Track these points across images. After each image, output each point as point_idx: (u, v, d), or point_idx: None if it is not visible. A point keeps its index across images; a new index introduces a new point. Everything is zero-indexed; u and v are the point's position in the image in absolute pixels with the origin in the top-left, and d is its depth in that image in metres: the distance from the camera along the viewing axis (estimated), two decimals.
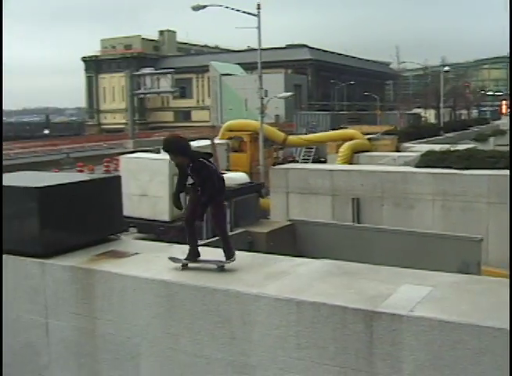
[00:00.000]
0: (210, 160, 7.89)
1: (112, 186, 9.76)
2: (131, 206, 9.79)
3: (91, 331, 8.27)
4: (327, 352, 6.69)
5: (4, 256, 8.91)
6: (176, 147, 7.91)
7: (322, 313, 6.70)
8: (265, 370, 7.06)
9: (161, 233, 19.92)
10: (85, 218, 9.12)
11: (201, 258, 8.19)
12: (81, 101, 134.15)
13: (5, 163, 45.46)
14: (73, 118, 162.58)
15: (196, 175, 7.85)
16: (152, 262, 8.34)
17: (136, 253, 8.78)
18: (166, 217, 21.01)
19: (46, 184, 9.17)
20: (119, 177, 9.93)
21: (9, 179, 9.88)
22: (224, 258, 8.00)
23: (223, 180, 7.96)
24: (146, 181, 20.88)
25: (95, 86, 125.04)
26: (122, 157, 23.58)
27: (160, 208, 21.00)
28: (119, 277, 7.89)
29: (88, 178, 10.70)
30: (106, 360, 8.25)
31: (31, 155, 56.66)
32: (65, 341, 8.58)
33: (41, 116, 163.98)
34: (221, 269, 7.96)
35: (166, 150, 8.10)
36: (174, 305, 7.51)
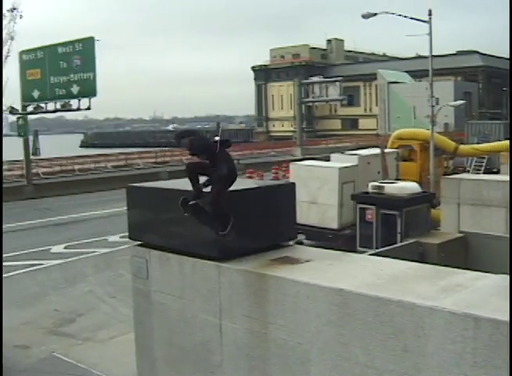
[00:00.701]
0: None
1: (286, 193, 9.86)
2: (300, 213, 9.88)
3: (263, 335, 8.39)
4: (505, 373, 6.37)
5: (183, 257, 9.28)
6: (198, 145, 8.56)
7: (502, 331, 6.37)
8: None
9: (330, 241, 19.93)
10: (260, 223, 9.29)
11: None
12: (251, 109, 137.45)
13: (180, 168, 47.38)
14: (243, 125, 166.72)
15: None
16: (325, 270, 8.33)
17: (309, 260, 8.80)
18: (335, 225, 21.02)
19: None
20: (293, 184, 10.01)
21: (184, 184, 10.27)
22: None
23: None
24: (316, 188, 21.00)
25: (264, 94, 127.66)
26: (292, 164, 23.84)
27: (328, 216, 21.05)
28: (292, 283, 7.94)
29: (264, 185, 10.90)
30: (276, 364, 8.34)
31: None
32: (237, 342, 8.77)
33: (212, 123, 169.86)
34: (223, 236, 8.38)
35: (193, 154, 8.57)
36: (346, 313, 7.44)
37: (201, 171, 8.57)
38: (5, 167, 48.06)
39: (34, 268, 20.59)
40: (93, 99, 39.22)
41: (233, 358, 8.87)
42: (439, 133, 39.18)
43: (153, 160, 58.96)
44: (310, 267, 8.52)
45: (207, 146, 8.55)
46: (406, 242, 15.17)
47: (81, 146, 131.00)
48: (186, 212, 8.59)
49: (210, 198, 8.32)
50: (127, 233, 10.81)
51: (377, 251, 14.53)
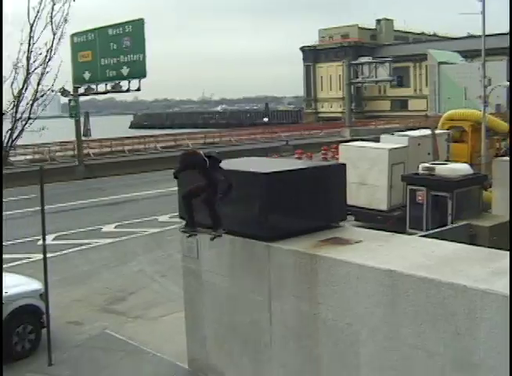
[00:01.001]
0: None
1: (337, 174, 9.83)
2: (349, 194, 9.82)
3: (312, 315, 8.42)
4: None
5: (233, 237, 9.34)
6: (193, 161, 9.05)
7: None
8: (488, 370, 6.76)
9: (379, 222, 19.80)
10: (310, 204, 9.29)
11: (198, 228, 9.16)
12: (299, 90, 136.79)
13: (229, 149, 47.60)
14: (292, 106, 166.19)
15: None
16: (376, 251, 8.30)
17: (359, 241, 8.78)
18: (384, 206, 20.85)
19: (273, 170, 9.47)
20: (344, 165, 9.97)
21: (237, 164, 10.33)
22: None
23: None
24: (365, 169, 20.83)
25: (313, 75, 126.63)
26: (341, 145, 23.68)
27: (378, 197, 20.88)
28: (343, 264, 7.94)
29: (314, 165, 10.89)
30: (325, 344, 8.37)
31: (252, 142, 58.89)
32: (287, 322, 8.82)
33: (260, 104, 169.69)
34: (212, 239, 8.96)
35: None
36: (397, 295, 7.42)
37: (197, 193, 9.01)
38: (57, 148, 48.92)
39: (86, 247, 20.93)
40: (143, 81, 39.45)
41: (282, 338, 8.93)
42: (491, 114, 38.41)
43: (202, 141, 59.23)
44: (360, 248, 8.50)
45: (198, 161, 8.97)
46: (457, 224, 15.00)
47: (130, 128, 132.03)
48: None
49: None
50: (176, 213, 10.90)
51: (428, 232, 14.40)
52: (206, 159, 8.89)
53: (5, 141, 9.93)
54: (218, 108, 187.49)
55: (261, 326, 9.18)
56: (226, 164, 10.37)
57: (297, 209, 9.16)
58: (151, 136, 59.16)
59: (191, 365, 10.79)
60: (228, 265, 9.54)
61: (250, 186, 9.11)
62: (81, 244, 21.17)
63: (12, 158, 34.27)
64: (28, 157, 45.00)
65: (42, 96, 10.38)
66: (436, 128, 27.41)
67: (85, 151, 46.20)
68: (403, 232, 14.63)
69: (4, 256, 17.63)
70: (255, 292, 9.14)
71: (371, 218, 20.62)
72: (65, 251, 19.94)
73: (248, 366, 9.57)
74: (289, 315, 8.74)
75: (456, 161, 22.14)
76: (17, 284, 12.55)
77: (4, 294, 11.79)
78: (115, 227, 24.16)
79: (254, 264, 9.08)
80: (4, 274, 13.33)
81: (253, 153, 31.19)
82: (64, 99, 46.14)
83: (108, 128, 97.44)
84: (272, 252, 8.79)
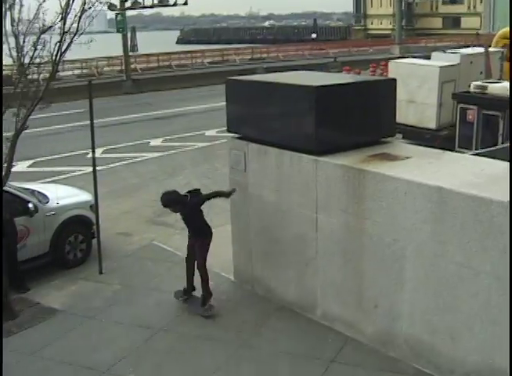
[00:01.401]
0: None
1: (387, 89, 9.66)
2: (398, 111, 9.63)
3: (358, 230, 8.45)
4: None
5: (281, 151, 9.34)
6: (171, 200, 9.99)
7: None
8: None
9: (427, 141, 19.54)
10: (359, 119, 9.19)
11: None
12: (349, 6, 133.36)
13: (276, 65, 47.10)
14: (340, 23, 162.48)
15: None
16: (425, 168, 8.22)
17: (408, 157, 8.69)
18: (433, 125, 20.50)
19: (323, 83, 9.35)
20: (394, 80, 9.77)
21: (286, 78, 10.22)
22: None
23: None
24: (415, 87, 20.39)
25: None
26: (391, 62, 23.15)
27: (427, 115, 20.51)
28: (391, 180, 7.90)
29: (364, 80, 10.71)
30: (370, 259, 8.43)
31: (299, 58, 58.12)
32: (333, 236, 8.89)
33: (309, 20, 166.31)
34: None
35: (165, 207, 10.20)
36: (445, 211, 7.37)
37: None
38: (104, 62, 49.00)
39: (134, 160, 21.19)
40: None
41: (328, 252, 9.01)
42: None
43: (250, 56, 58.68)
44: (409, 164, 8.43)
45: (178, 199, 9.99)
46: (508, 144, 14.71)
47: (177, 43, 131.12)
48: None
49: None
50: (223, 128, 10.90)
51: (477, 151, 14.20)
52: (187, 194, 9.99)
53: (54, 54, 9.92)
54: (266, 24, 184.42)
55: (307, 239, 9.27)
56: (274, 78, 10.32)
57: (347, 123, 9.08)
58: (198, 51, 58.74)
59: (236, 277, 11.02)
60: (275, 178, 9.57)
61: (300, 99, 9.02)
62: (129, 158, 21.45)
63: (60, 73, 34.50)
64: (76, 72, 45.21)
65: (90, 9, 10.28)
66: (489, 46, 26.57)
67: (132, 66, 46.18)
68: (450, 149, 14.43)
69: (56, 168, 18.10)
70: (302, 206, 9.19)
71: (419, 137, 20.33)
72: (113, 165, 20.26)
73: (293, 279, 9.73)
74: (335, 229, 8.79)
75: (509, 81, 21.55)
76: (68, 195, 12.86)
77: (56, 204, 12.11)
78: (162, 141, 24.37)
79: (301, 178, 9.09)
80: (56, 185, 13.68)
81: (300, 69, 30.74)
82: (111, 15, 45.90)
83: (155, 43, 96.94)
84: (319, 166, 8.77)
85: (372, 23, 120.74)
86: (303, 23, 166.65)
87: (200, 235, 10.35)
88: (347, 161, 8.53)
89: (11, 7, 9.56)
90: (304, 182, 9.04)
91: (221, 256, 11.73)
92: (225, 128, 10.71)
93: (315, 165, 8.83)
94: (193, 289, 10.38)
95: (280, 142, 9.38)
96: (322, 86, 9.09)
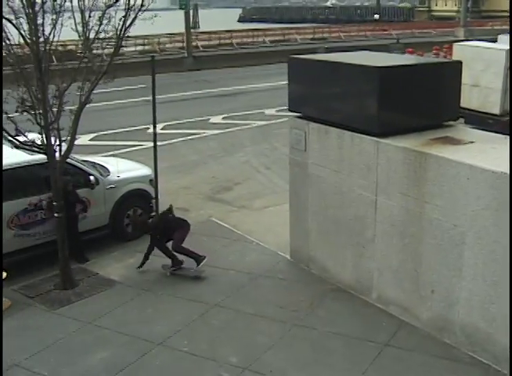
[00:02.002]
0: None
1: (452, 72, 9.47)
2: (461, 95, 9.46)
3: (418, 214, 8.36)
4: None
5: (342, 131, 9.28)
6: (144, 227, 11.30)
7: None
8: None
9: (489, 126, 19.14)
10: (423, 101, 9.04)
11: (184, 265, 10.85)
12: None
13: (337, 45, 46.68)
14: (406, 4, 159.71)
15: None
16: (488, 153, 8.06)
17: (472, 142, 8.54)
18: (496, 110, 20.03)
19: (386, 64, 9.23)
20: (459, 63, 9.57)
21: (348, 58, 10.11)
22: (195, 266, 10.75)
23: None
24: (480, 71, 19.91)
25: None
26: (456, 45, 22.67)
27: (491, 100, 20.02)
28: (453, 164, 7.76)
29: (428, 61, 10.52)
30: (429, 244, 8.33)
31: (361, 39, 57.46)
32: (391, 219, 8.81)
33: (372, 1, 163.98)
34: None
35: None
36: (508, 198, 7.22)
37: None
38: (166, 39, 49.29)
39: (194, 137, 21.34)
40: None
41: (386, 234, 8.95)
42: None
43: (311, 35, 58.25)
44: (472, 149, 8.28)
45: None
46: None
47: (239, 21, 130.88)
48: None
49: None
50: (283, 107, 10.87)
51: None
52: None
53: (118, 29, 10.03)
54: (328, 3, 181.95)
55: (366, 221, 9.21)
56: (336, 57, 10.22)
57: (409, 105, 8.95)
58: (260, 30, 58.56)
59: (293, 256, 11.04)
60: (335, 159, 9.52)
61: (362, 80, 8.92)
62: (189, 134, 21.61)
63: (123, 49, 34.80)
64: (138, 48, 45.60)
65: None
66: None
67: (194, 43, 46.33)
68: None
69: (117, 143, 18.35)
70: (362, 187, 9.13)
71: (482, 122, 19.90)
72: (173, 141, 20.44)
73: (349, 260, 9.70)
74: (394, 212, 8.71)
75: None
76: (129, 169, 13.03)
77: (116, 177, 12.29)
78: (223, 118, 24.45)
79: (361, 159, 9.02)
80: (117, 159, 13.88)
81: (362, 49, 30.41)
82: None
83: (216, 21, 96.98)
84: (381, 148, 8.69)
85: (436, 5, 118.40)
86: (366, 4, 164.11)
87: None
88: (409, 144, 8.43)
89: None
90: (365, 163, 8.97)
91: (278, 235, 11.81)
92: (285, 107, 10.68)
93: (376, 147, 8.75)
94: (181, 262, 10.88)
95: (341, 122, 9.32)
96: (386, 67, 8.99)
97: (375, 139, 8.76)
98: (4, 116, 9.34)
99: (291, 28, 63.85)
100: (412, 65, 9.65)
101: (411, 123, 9.05)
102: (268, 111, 25.31)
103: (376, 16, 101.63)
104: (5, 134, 9.66)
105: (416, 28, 68.11)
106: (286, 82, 10.52)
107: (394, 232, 8.79)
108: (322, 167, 9.81)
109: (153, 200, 12.43)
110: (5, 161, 10.96)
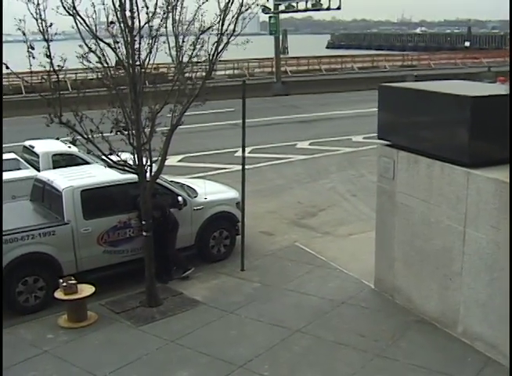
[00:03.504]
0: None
1: None
2: None
3: (508, 247, 8.13)
4: None
5: (431, 160, 9.15)
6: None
7: None
8: None
9: None
10: None
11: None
12: (505, 13, 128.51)
13: (427, 72, 46.12)
14: (495, 31, 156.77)
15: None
16: None
17: None
18: None
19: (479, 94, 9.08)
20: None
21: (441, 87, 9.98)
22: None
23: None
24: None
25: None
26: None
27: None
28: None
29: None
30: None
31: (451, 67, 56.66)
32: (480, 252, 8.60)
33: (463, 28, 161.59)
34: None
35: None
36: None
37: None
38: (255, 64, 49.95)
39: (280, 161, 21.47)
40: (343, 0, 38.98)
41: (474, 268, 8.74)
42: None
43: (400, 63, 57.90)
44: None
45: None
46: None
47: (327, 47, 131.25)
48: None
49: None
50: (370, 134, 10.82)
51: None
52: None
53: (212, 54, 10.26)
54: (417, 30, 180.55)
55: (453, 253, 9.03)
56: (428, 86, 10.11)
57: (502, 136, 8.73)
58: (348, 56, 58.60)
59: (377, 285, 10.91)
60: (424, 188, 9.40)
61: (454, 109, 8.80)
62: (276, 159, 21.77)
63: (215, 72, 35.40)
64: (228, 72, 46.35)
65: (247, 10, 10.54)
66: None
67: (282, 68, 46.76)
68: None
69: (205, 165, 18.66)
70: (450, 218, 8.97)
71: None
72: (260, 164, 20.62)
73: (435, 292, 9.51)
74: (484, 245, 8.51)
75: None
76: (216, 191, 13.21)
77: (204, 199, 12.48)
78: (309, 144, 24.51)
79: (451, 190, 8.87)
80: (205, 181, 14.10)
81: (451, 78, 30.00)
82: (263, 18, 46.59)
83: (305, 46, 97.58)
84: (471, 179, 8.53)
85: None
86: (456, 31, 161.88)
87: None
88: (500, 175, 8.24)
89: (173, 8, 9.95)
90: (455, 194, 8.82)
91: (362, 263, 11.70)
92: (373, 135, 10.65)
93: (466, 177, 8.59)
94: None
95: (431, 151, 9.20)
96: (478, 97, 8.83)
97: (466, 169, 8.61)
98: (99, 135, 9.65)
99: (380, 55, 63.71)
100: (505, 95, 9.44)
101: (503, 154, 8.82)
102: (355, 138, 25.23)
103: (467, 44, 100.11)
104: (99, 153, 9.99)
105: (508, 56, 66.60)
106: (375, 109, 10.50)
107: (483, 265, 8.58)
108: (411, 196, 9.69)
109: (239, 223, 12.54)
110: (98, 179, 11.35)
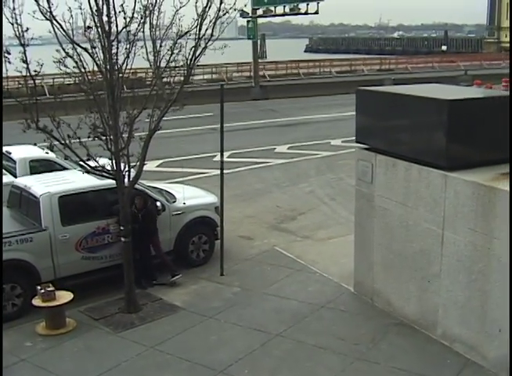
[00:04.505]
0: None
1: None
2: None
3: (486, 250, 8.19)
4: None
5: (409, 164, 9.20)
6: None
7: None
8: None
9: None
10: (492, 135, 8.90)
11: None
12: (482, 18, 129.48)
13: (404, 76, 46.42)
14: (472, 35, 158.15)
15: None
16: None
17: None
18: None
19: (456, 97, 9.15)
20: None
21: (418, 90, 10.06)
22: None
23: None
24: None
25: (497, 2, 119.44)
26: None
27: None
28: None
29: (498, 95, 10.37)
30: (497, 282, 8.13)
31: (428, 70, 57.02)
32: (458, 254, 8.65)
33: (439, 32, 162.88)
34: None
35: None
36: None
37: None
38: (233, 68, 49.95)
39: (259, 166, 21.47)
40: (320, 4, 39.11)
41: (452, 270, 8.80)
42: None
43: (378, 66, 58.19)
44: None
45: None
46: None
47: (305, 51, 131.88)
48: None
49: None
50: (348, 138, 10.87)
51: None
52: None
53: (189, 58, 10.25)
54: (395, 35, 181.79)
55: (432, 256, 9.08)
56: (405, 90, 10.18)
57: (479, 139, 8.83)
58: (326, 60, 58.79)
59: (356, 288, 10.94)
60: (401, 191, 9.44)
61: (432, 112, 8.86)
62: (254, 163, 21.77)
63: (193, 77, 35.35)
64: (206, 76, 46.28)
65: (225, 15, 10.54)
66: None
67: (261, 73, 46.81)
68: None
69: (183, 170, 18.59)
70: (428, 221, 9.02)
71: None
72: (238, 169, 20.62)
73: (414, 295, 9.55)
74: (461, 247, 8.57)
75: None
76: (195, 196, 13.19)
77: (182, 204, 12.45)
78: (288, 148, 24.53)
79: (429, 192, 8.93)
80: (183, 186, 14.06)
81: (429, 81, 30.21)
82: (241, 22, 46.63)
83: (283, 50, 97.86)
84: (449, 182, 8.58)
85: (506, 36, 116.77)
86: (433, 35, 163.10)
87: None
88: (477, 178, 8.30)
89: (150, 13, 9.92)
90: (432, 197, 8.87)
91: (341, 266, 11.74)
92: (351, 138, 10.68)
93: (444, 180, 8.65)
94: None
95: (409, 154, 9.26)
96: (455, 100, 8.90)
97: (443, 172, 8.67)
98: (76, 141, 9.60)
99: (358, 59, 64.00)
100: (481, 98, 9.55)
101: (480, 157, 8.91)
102: (333, 142, 25.29)
103: (444, 48, 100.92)
104: (76, 158, 9.92)
105: (484, 60, 67.27)
106: (353, 113, 10.54)
107: (461, 267, 8.63)
108: (389, 199, 9.74)
109: (218, 228, 12.52)
110: (76, 185, 11.28)
